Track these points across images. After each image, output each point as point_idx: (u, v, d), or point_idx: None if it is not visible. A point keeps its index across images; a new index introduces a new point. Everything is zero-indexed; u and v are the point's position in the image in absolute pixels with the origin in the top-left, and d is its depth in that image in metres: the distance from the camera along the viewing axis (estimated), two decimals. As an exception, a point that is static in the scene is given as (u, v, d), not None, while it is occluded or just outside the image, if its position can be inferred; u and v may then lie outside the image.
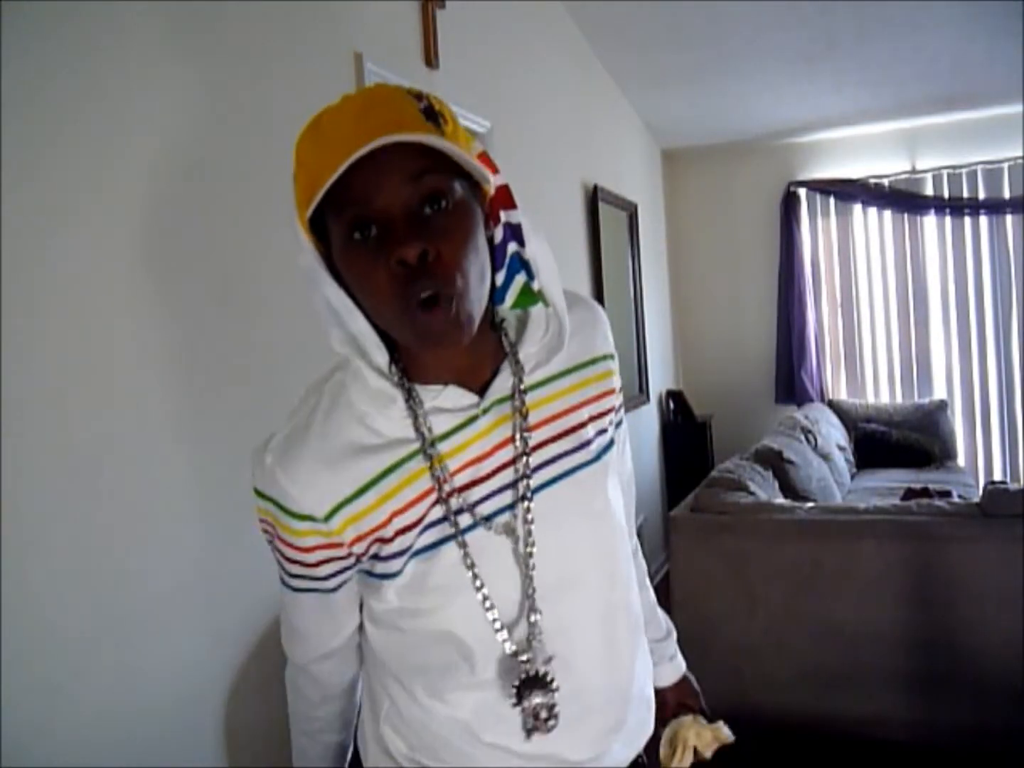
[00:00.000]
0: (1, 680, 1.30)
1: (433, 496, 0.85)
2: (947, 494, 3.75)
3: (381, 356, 0.83)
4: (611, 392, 0.98)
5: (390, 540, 0.85)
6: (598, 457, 0.92)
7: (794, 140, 5.62)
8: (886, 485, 4.62)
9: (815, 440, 4.51)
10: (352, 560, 0.88)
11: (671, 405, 5.42)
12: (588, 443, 0.92)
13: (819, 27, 4.03)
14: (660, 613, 1.21)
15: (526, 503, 0.86)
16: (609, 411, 0.97)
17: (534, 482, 0.87)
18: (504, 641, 0.85)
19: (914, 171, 5.43)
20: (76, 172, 1.50)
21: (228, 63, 1.89)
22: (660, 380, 5.37)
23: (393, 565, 0.86)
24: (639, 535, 1.14)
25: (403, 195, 0.75)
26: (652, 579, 1.24)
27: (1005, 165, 5.22)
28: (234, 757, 1.79)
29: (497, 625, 0.85)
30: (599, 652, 0.91)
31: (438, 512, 0.85)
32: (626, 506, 1.05)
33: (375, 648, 0.95)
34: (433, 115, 0.77)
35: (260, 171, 1.96)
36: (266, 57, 2.01)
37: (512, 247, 0.85)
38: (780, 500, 3.27)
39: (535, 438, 0.88)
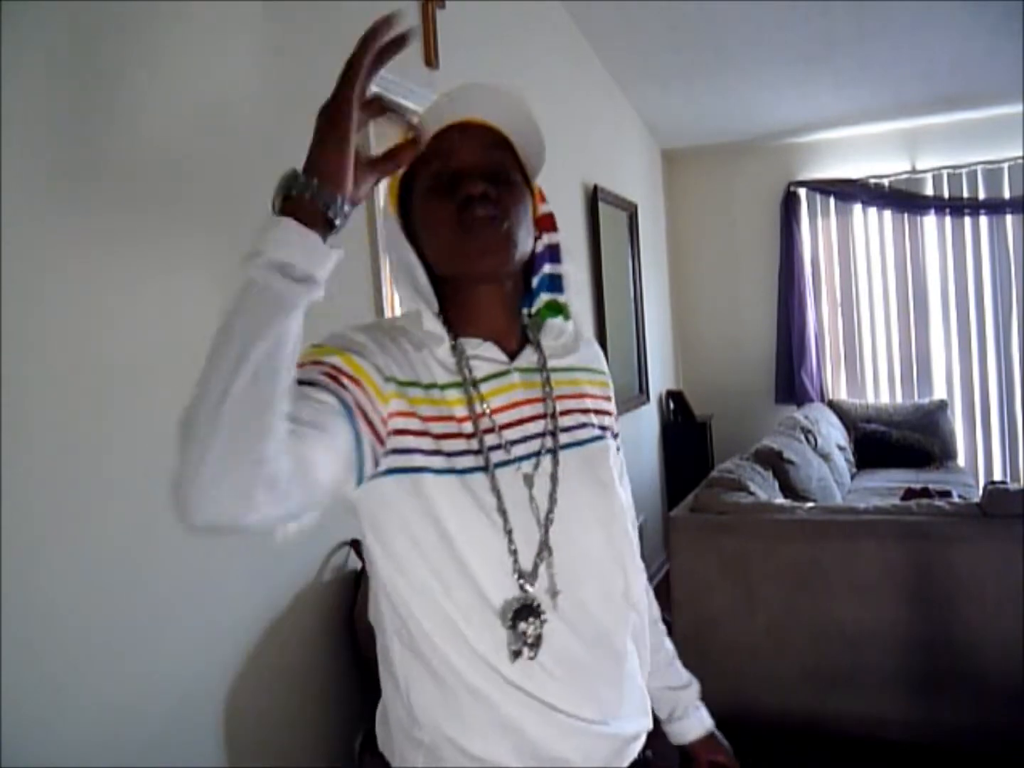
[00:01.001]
0: (1, 679, 1.30)
1: (468, 426, 0.92)
2: (947, 494, 3.75)
3: (433, 305, 0.95)
4: (609, 399, 1.10)
5: (441, 437, 0.90)
6: (602, 437, 1.02)
7: (794, 140, 5.62)
8: (886, 485, 4.62)
9: (815, 440, 4.51)
10: (373, 426, 0.86)
11: (671, 405, 5.42)
12: (592, 424, 1.02)
13: (819, 27, 4.03)
14: (678, 662, 1.23)
15: (554, 458, 0.95)
16: (608, 414, 1.08)
17: (559, 441, 0.97)
18: (515, 567, 0.91)
19: (914, 171, 5.43)
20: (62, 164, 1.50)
21: (228, 62, 1.89)
22: (660, 380, 5.37)
23: (445, 462, 0.89)
24: (639, 535, 1.14)
25: (477, 158, 0.93)
26: (652, 579, 1.25)
27: (1005, 165, 5.22)
28: (234, 757, 1.79)
29: (512, 550, 0.91)
30: (596, 605, 0.97)
31: (473, 443, 0.92)
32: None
33: (398, 590, 0.93)
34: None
35: (260, 171, 1.96)
36: (266, 58, 2.01)
37: (547, 267, 1.02)
38: (780, 500, 3.27)
39: (557, 406, 0.99)
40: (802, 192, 5.66)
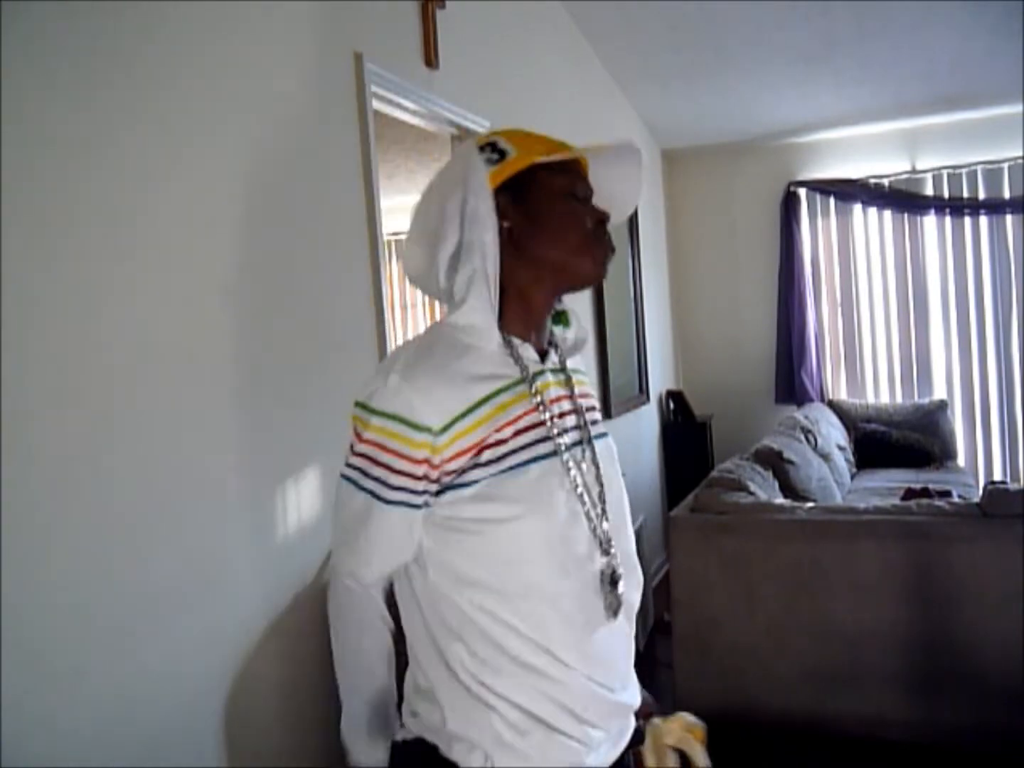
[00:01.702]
0: (2, 679, 1.30)
1: (535, 416, 1.03)
2: (947, 494, 3.75)
3: (492, 292, 1.03)
4: (595, 399, 1.23)
5: (504, 442, 1.00)
6: (607, 433, 1.16)
7: (794, 140, 5.62)
8: (886, 485, 4.62)
9: (815, 440, 4.51)
10: (435, 483, 1.00)
11: (671, 405, 5.42)
12: (599, 421, 1.16)
13: (819, 27, 4.03)
14: None
15: (591, 446, 1.09)
16: (597, 411, 1.20)
17: (590, 432, 1.11)
18: (598, 532, 1.04)
19: (914, 171, 5.43)
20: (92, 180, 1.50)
21: (228, 63, 1.89)
22: (660, 380, 5.37)
23: (500, 465, 0.99)
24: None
25: (590, 196, 1.09)
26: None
27: (1005, 165, 5.22)
28: (234, 757, 1.79)
29: (594, 516, 1.04)
30: (629, 577, 1.10)
31: (540, 432, 1.03)
32: None
33: (460, 570, 1.01)
34: None
35: (260, 171, 1.96)
36: (266, 57, 2.01)
37: None
38: (780, 500, 3.27)
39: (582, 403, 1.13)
40: (802, 192, 5.66)
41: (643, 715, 1.19)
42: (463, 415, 0.98)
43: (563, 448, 1.03)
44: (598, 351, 4.23)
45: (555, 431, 1.03)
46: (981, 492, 2.89)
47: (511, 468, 0.99)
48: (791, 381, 5.63)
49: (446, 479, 0.99)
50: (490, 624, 0.99)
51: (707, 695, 2.83)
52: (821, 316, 5.73)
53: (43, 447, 1.42)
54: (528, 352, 1.06)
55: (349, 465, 1.02)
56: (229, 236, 1.87)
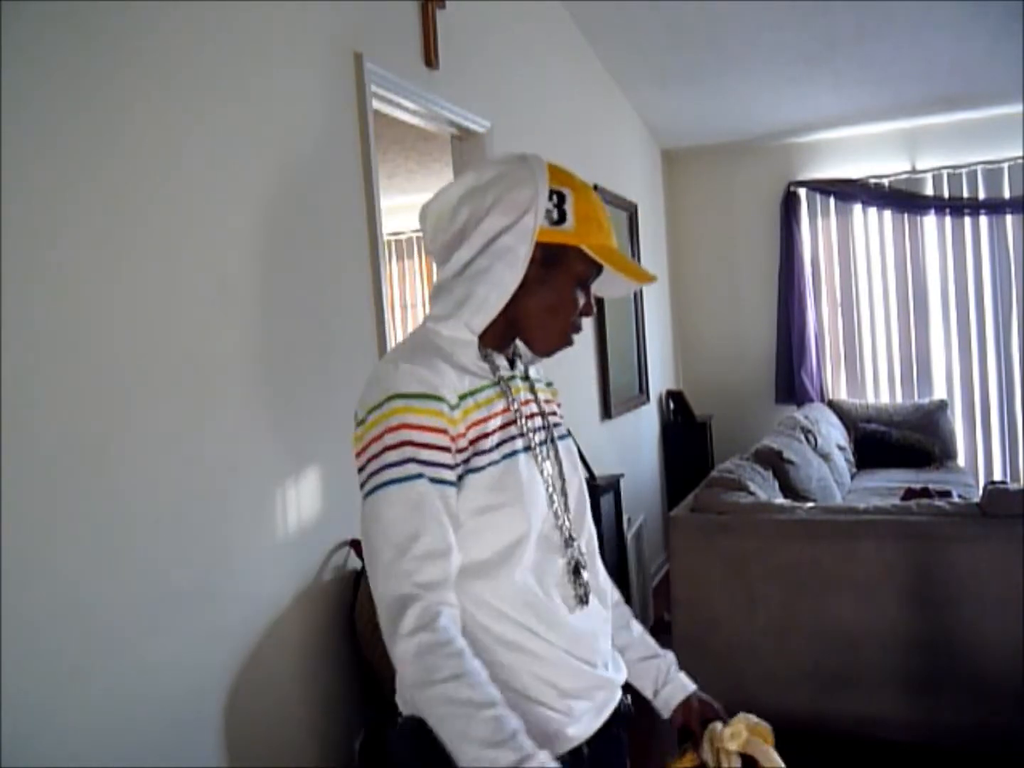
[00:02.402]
0: (3, 679, 1.30)
1: (509, 415, 1.10)
2: (947, 494, 3.75)
3: (483, 317, 1.09)
4: (559, 405, 1.28)
5: (490, 434, 1.06)
6: (569, 435, 1.23)
7: (794, 140, 5.62)
8: (886, 485, 4.62)
9: (815, 440, 4.51)
10: (460, 453, 1.04)
11: (671, 405, 5.42)
12: (561, 424, 1.24)
13: (819, 27, 4.03)
14: (648, 636, 1.32)
15: (554, 446, 1.17)
16: (560, 416, 1.27)
17: (552, 433, 1.18)
18: (563, 525, 1.12)
19: (914, 171, 5.43)
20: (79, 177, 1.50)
21: (228, 63, 1.89)
22: (660, 380, 5.37)
23: (493, 455, 1.05)
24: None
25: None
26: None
27: (1005, 165, 5.22)
28: (234, 757, 1.79)
29: (559, 511, 1.12)
30: (594, 565, 1.18)
31: (513, 430, 1.09)
32: None
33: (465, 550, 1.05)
34: None
35: (260, 171, 1.96)
36: (266, 57, 2.01)
37: None
38: (780, 500, 3.27)
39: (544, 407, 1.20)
40: (802, 192, 5.66)
41: (704, 717, 1.20)
42: (468, 393, 1.06)
43: (534, 444, 1.11)
44: (598, 351, 4.23)
45: (526, 428, 1.11)
46: (981, 492, 2.89)
47: (504, 458, 1.06)
48: (791, 381, 5.63)
49: (460, 457, 1.03)
50: (476, 609, 1.03)
51: (707, 695, 2.82)
52: (821, 316, 5.73)
53: (44, 447, 1.42)
54: (500, 360, 1.14)
55: (376, 472, 1.00)
56: (229, 236, 1.87)
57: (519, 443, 1.09)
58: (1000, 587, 2.63)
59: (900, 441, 5.21)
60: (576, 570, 1.11)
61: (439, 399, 1.02)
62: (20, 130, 1.38)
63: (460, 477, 1.03)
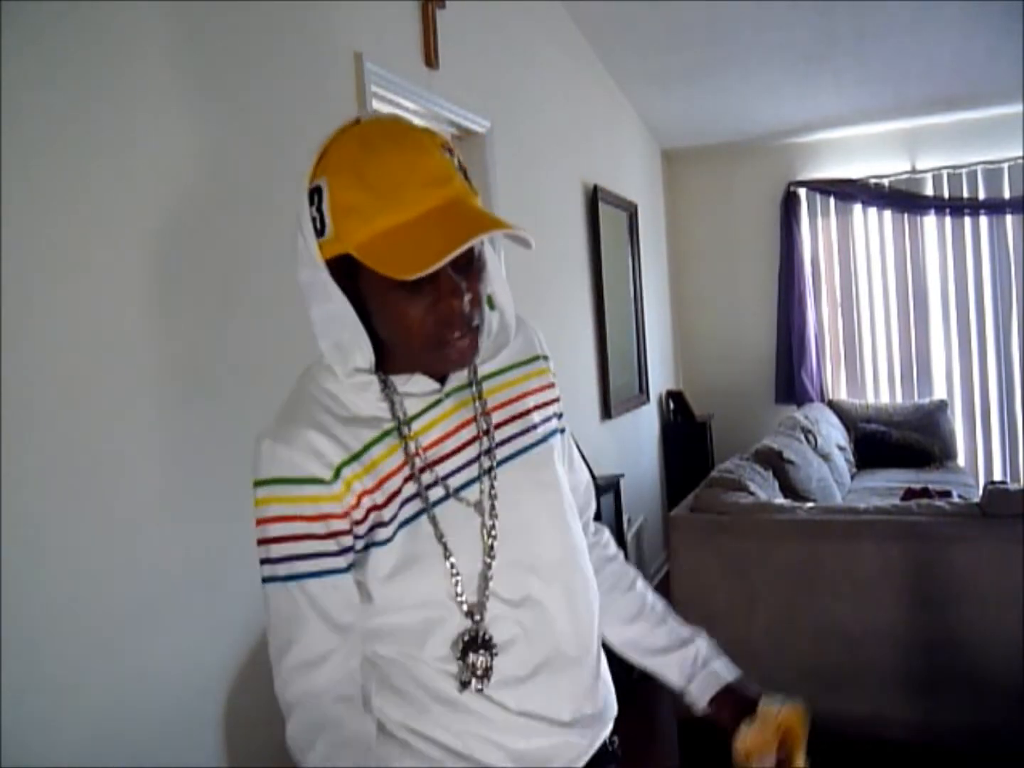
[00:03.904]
0: (2, 679, 1.30)
1: (407, 471, 0.92)
2: (947, 494, 3.75)
3: (365, 358, 0.91)
4: (551, 386, 1.08)
5: (382, 506, 0.91)
6: (545, 439, 1.02)
7: (794, 140, 5.62)
8: (886, 485, 4.61)
9: (815, 440, 4.51)
10: (351, 531, 0.90)
11: (671, 405, 5.42)
12: (535, 427, 1.02)
13: (819, 27, 4.03)
14: (674, 619, 1.20)
15: (490, 477, 0.95)
16: (551, 403, 1.07)
17: (495, 458, 0.97)
18: (462, 604, 0.92)
19: (914, 171, 5.43)
20: (78, 179, 1.50)
21: (229, 62, 1.89)
22: (660, 380, 5.37)
23: (388, 531, 0.91)
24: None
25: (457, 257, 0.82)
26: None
27: (1005, 165, 5.22)
28: (234, 757, 1.79)
29: (459, 590, 0.92)
30: (559, 608, 0.98)
31: (412, 487, 0.92)
32: (583, 508, 1.14)
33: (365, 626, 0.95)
34: (463, 170, 0.88)
35: (260, 171, 1.96)
36: (266, 57, 2.01)
37: None
38: (780, 500, 3.27)
39: (492, 420, 0.98)
40: (802, 192, 5.66)
41: (737, 715, 1.08)
42: (347, 461, 0.89)
43: (430, 506, 0.92)
44: (598, 351, 4.23)
45: (424, 484, 0.92)
46: (981, 492, 2.89)
47: (400, 526, 0.91)
48: (791, 381, 5.63)
49: (360, 529, 0.90)
50: (412, 664, 0.94)
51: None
52: (821, 316, 5.73)
53: (41, 450, 1.42)
54: (417, 385, 0.94)
55: (263, 562, 0.92)
56: (229, 236, 1.87)
57: (411, 508, 0.92)
58: (1000, 587, 2.63)
59: (900, 441, 5.21)
60: (471, 647, 0.92)
61: (310, 482, 0.87)
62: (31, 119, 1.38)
63: (366, 547, 0.91)
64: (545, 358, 1.08)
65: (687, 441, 5.31)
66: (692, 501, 3.17)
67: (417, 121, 2.87)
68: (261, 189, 1.95)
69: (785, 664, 2.88)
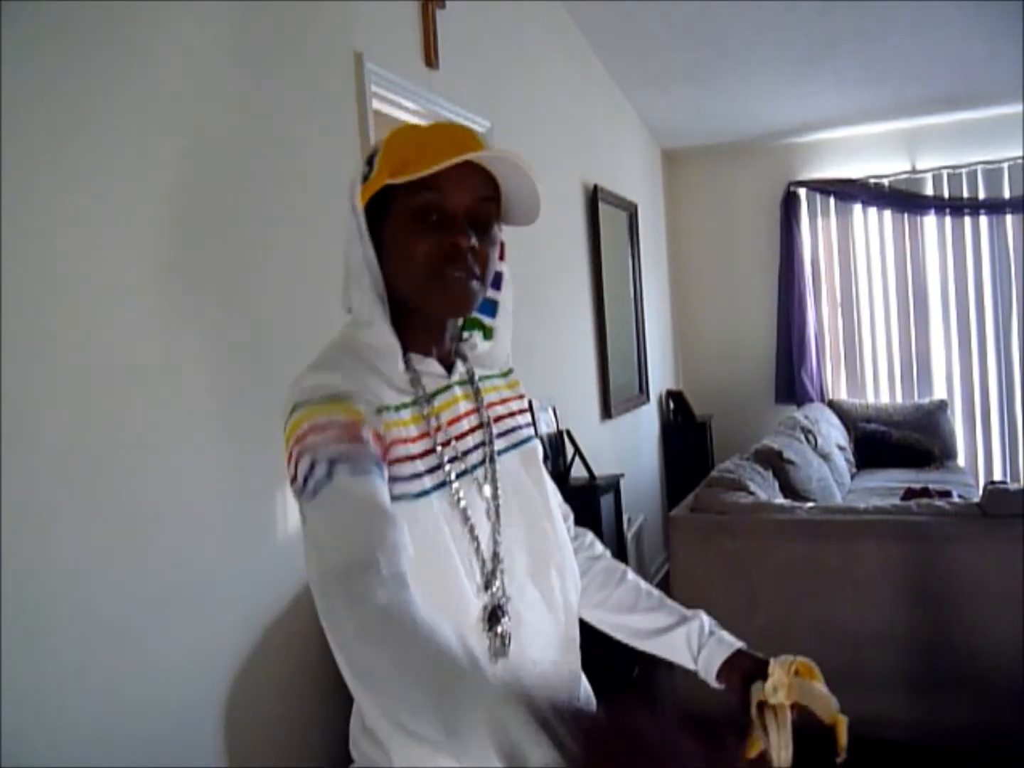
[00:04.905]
0: (2, 679, 1.30)
1: (428, 442, 0.96)
2: (947, 494, 3.75)
3: (385, 309, 0.97)
4: (523, 397, 1.16)
5: (413, 458, 0.93)
6: (529, 439, 1.10)
7: (794, 140, 5.62)
8: (886, 485, 4.62)
9: (815, 440, 4.51)
10: (384, 456, 0.90)
11: (671, 405, 5.42)
12: (520, 428, 1.10)
13: (819, 27, 4.03)
14: (670, 601, 1.17)
15: (493, 464, 1.01)
16: (525, 411, 1.15)
17: (495, 448, 1.04)
18: (483, 571, 0.96)
19: (914, 171, 5.43)
20: (78, 179, 1.50)
21: (229, 62, 1.89)
22: (660, 380, 5.37)
23: (410, 486, 0.92)
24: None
25: (470, 205, 0.95)
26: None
27: (1005, 165, 5.22)
28: (234, 757, 1.79)
29: (480, 558, 0.96)
30: (557, 598, 1.03)
31: (434, 460, 0.96)
32: (564, 515, 1.18)
33: None
34: None
35: (260, 171, 1.96)
36: (266, 57, 2.01)
37: (489, 292, 1.04)
38: (780, 500, 3.27)
39: (490, 413, 1.06)
40: (802, 192, 5.66)
41: (744, 675, 1.05)
42: (386, 409, 0.93)
43: (453, 478, 0.95)
44: (598, 351, 4.23)
45: (446, 458, 0.96)
46: (981, 492, 2.89)
47: (418, 496, 0.92)
48: (791, 381, 5.63)
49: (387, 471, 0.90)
50: None
51: (707, 695, 2.82)
52: (821, 316, 5.73)
53: (43, 448, 1.42)
54: (431, 367, 1.00)
55: (303, 486, 0.85)
56: (228, 237, 1.87)
57: (432, 479, 0.94)
58: (1000, 587, 2.63)
59: (900, 441, 5.21)
60: (493, 616, 0.94)
61: (347, 397, 0.89)
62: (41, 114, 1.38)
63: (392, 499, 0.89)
64: (513, 374, 1.17)
65: (687, 441, 5.31)
66: (692, 501, 3.17)
67: (416, 121, 2.88)
68: (261, 189, 1.95)
69: (785, 664, 2.88)
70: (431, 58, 2.67)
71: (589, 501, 3.23)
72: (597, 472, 3.45)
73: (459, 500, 0.95)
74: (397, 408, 0.95)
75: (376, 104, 2.44)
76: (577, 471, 3.40)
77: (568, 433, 3.42)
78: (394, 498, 0.89)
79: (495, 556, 0.97)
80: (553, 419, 3.40)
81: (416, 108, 2.63)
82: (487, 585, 0.95)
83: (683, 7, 3.82)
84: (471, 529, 0.95)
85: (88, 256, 1.52)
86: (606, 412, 4.23)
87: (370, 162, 0.98)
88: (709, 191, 5.91)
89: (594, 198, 4.17)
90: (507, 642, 0.95)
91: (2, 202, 1.35)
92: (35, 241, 1.42)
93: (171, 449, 1.69)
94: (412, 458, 0.93)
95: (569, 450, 3.41)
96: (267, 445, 1.95)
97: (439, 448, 0.96)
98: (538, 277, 3.39)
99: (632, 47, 4.29)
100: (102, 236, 1.55)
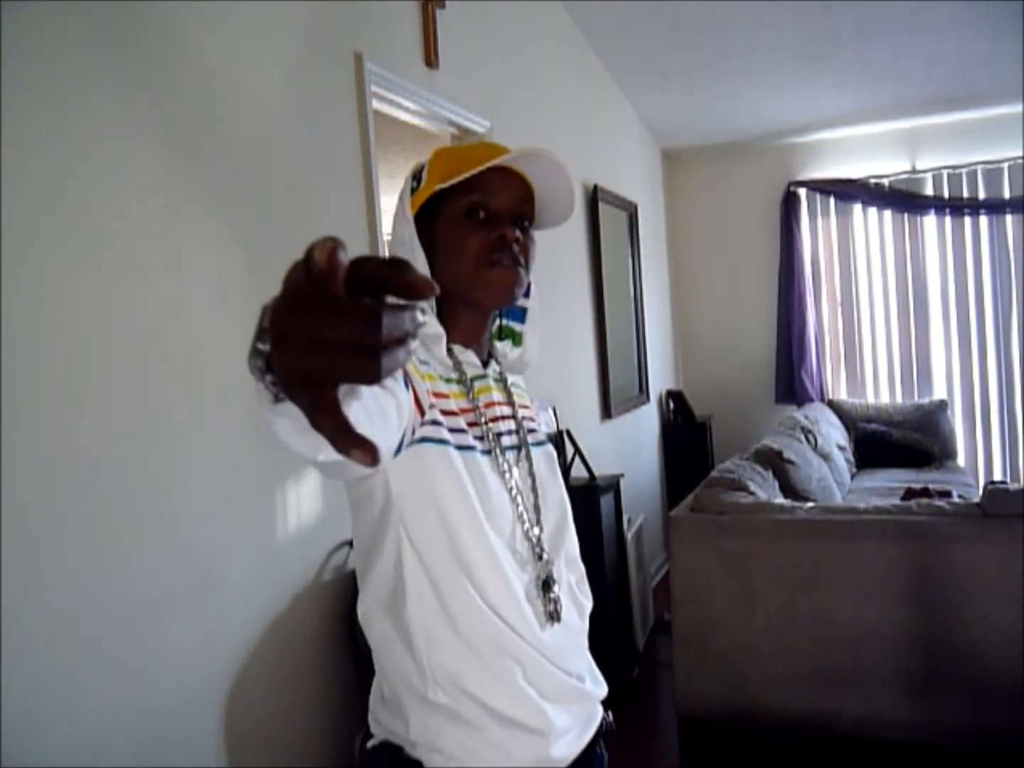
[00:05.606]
0: (2, 679, 1.30)
1: (470, 416, 1.03)
2: (947, 494, 3.75)
3: (433, 313, 1.05)
4: (531, 408, 1.23)
5: (456, 413, 1.00)
6: (547, 442, 1.19)
7: (794, 140, 5.62)
8: (886, 485, 4.62)
9: (815, 440, 4.51)
10: (417, 394, 0.93)
11: (671, 405, 5.42)
12: (539, 431, 1.18)
13: (819, 26, 4.03)
14: None
15: (527, 450, 1.10)
16: (536, 424, 1.21)
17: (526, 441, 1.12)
18: (535, 540, 1.04)
19: (914, 171, 5.43)
20: (78, 178, 1.50)
21: (229, 62, 1.89)
22: (660, 380, 5.37)
23: (459, 438, 0.98)
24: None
25: (511, 205, 1.06)
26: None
27: (1005, 165, 5.22)
28: (234, 757, 1.79)
29: (530, 522, 1.05)
30: (570, 576, 1.13)
31: (478, 431, 1.03)
32: None
33: (422, 551, 0.97)
34: None
35: (261, 169, 1.96)
36: (266, 56, 2.01)
37: (520, 300, 1.17)
38: (780, 500, 3.27)
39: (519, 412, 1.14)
40: (802, 192, 5.66)
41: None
42: (430, 377, 1.00)
43: (497, 450, 1.04)
44: (598, 351, 4.23)
45: (489, 432, 1.04)
46: (981, 492, 2.89)
47: (464, 448, 0.99)
48: (791, 381, 5.63)
49: (416, 415, 0.93)
50: (449, 592, 0.97)
51: (707, 695, 2.83)
52: (821, 316, 5.74)
53: (43, 449, 1.42)
54: (470, 358, 1.09)
55: None
56: (228, 238, 1.87)
57: (481, 445, 1.02)
58: (1000, 587, 2.63)
59: (900, 441, 5.22)
60: (546, 585, 1.04)
61: None
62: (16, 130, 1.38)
63: (419, 441, 0.94)
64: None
65: (687, 441, 5.31)
66: (692, 501, 3.17)
67: (416, 121, 2.88)
68: (261, 188, 1.95)
69: (785, 664, 2.88)
70: (431, 58, 2.67)
71: (589, 501, 3.23)
72: (597, 472, 3.45)
73: (504, 472, 1.03)
74: (446, 380, 1.02)
75: (376, 104, 2.44)
76: (577, 471, 3.40)
77: (568, 433, 3.42)
78: (445, 443, 0.96)
79: (541, 527, 1.06)
80: (553, 419, 3.40)
81: (416, 108, 2.63)
82: (540, 555, 1.04)
83: (683, 7, 3.82)
84: (514, 499, 1.03)
85: (88, 256, 1.52)
86: (606, 412, 4.23)
87: (417, 176, 1.08)
88: (709, 191, 5.91)
89: (594, 198, 4.17)
90: (559, 607, 1.04)
91: (2, 201, 1.35)
92: (35, 241, 1.42)
93: (171, 449, 1.69)
94: (457, 430, 0.99)
95: (569, 450, 3.41)
96: (267, 445, 1.95)
97: (486, 422, 1.04)
98: (538, 277, 3.37)
99: (632, 47, 4.29)
100: (102, 236, 1.55)
